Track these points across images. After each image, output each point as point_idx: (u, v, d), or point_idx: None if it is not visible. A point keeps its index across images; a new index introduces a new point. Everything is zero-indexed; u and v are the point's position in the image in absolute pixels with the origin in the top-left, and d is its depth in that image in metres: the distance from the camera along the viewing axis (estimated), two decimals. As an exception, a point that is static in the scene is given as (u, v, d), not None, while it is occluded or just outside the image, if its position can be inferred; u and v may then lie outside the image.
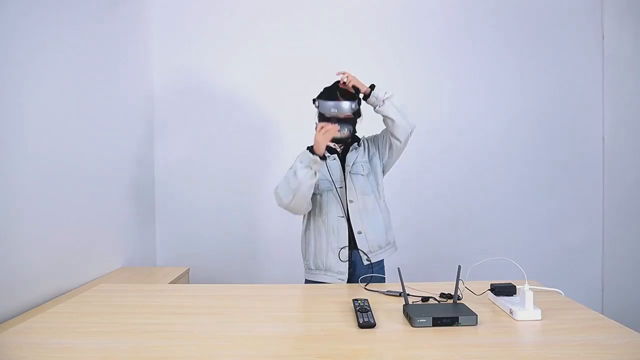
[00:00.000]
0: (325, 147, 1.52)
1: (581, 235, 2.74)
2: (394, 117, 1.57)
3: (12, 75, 1.52)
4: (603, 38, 2.73)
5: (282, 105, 2.67)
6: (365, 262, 1.63)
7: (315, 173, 1.51)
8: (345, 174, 1.65)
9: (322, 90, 1.68)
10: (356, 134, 1.73)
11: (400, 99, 1.62)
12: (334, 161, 1.66)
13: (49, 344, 1.03)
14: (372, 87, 1.59)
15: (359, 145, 1.71)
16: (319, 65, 2.63)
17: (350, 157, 1.67)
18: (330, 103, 1.57)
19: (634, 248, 2.52)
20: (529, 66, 2.72)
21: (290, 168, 1.56)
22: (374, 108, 1.60)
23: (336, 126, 1.52)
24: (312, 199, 1.65)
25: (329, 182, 1.62)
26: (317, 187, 1.62)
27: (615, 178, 2.68)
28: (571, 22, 2.73)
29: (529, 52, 2.72)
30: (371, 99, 1.59)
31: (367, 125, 1.73)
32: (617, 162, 2.67)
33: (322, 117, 1.61)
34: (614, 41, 2.68)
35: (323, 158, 1.52)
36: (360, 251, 1.62)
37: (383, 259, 1.69)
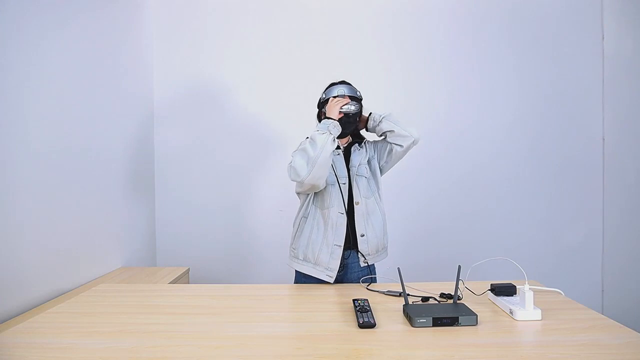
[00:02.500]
0: (338, 112, 1.57)
1: (581, 235, 2.74)
2: (393, 129, 1.63)
3: (11, 75, 1.52)
4: (603, 38, 2.73)
5: (283, 106, 2.67)
6: (363, 264, 1.63)
7: (334, 140, 1.51)
8: (351, 175, 1.64)
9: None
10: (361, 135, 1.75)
11: (399, 113, 1.68)
12: (338, 156, 1.65)
13: (49, 344, 1.03)
14: (369, 115, 1.69)
15: (360, 146, 1.70)
16: (319, 65, 2.65)
17: (355, 158, 1.67)
18: (339, 86, 1.65)
19: (634, 248, 2.52)
20: (529, 66, 2.73)
21: (300, 145, 1.55)
22: (375, 130, 1.68)
23: (347, 99, 1.60)
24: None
25: (334, 176, 1.62)
26: None
27: (615, 178, 2.68)
28: (571, 22, 2.73)
29: (529, 52, 2.72)
30: (370, 122, 1.67)
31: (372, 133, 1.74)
32: (617, 162, 2.67)
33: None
34: (614, 41, 2.68)
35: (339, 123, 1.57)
36: (360, 253, 1.62)
37: (374, 264, 1.69)
